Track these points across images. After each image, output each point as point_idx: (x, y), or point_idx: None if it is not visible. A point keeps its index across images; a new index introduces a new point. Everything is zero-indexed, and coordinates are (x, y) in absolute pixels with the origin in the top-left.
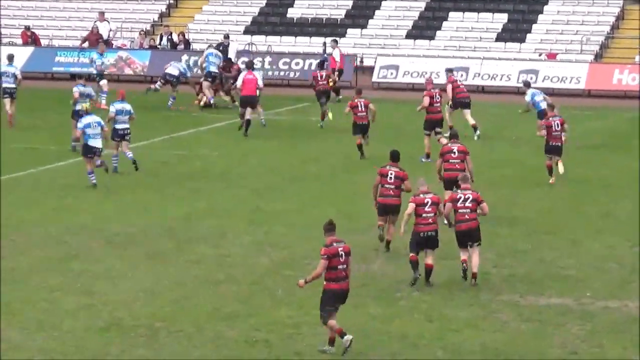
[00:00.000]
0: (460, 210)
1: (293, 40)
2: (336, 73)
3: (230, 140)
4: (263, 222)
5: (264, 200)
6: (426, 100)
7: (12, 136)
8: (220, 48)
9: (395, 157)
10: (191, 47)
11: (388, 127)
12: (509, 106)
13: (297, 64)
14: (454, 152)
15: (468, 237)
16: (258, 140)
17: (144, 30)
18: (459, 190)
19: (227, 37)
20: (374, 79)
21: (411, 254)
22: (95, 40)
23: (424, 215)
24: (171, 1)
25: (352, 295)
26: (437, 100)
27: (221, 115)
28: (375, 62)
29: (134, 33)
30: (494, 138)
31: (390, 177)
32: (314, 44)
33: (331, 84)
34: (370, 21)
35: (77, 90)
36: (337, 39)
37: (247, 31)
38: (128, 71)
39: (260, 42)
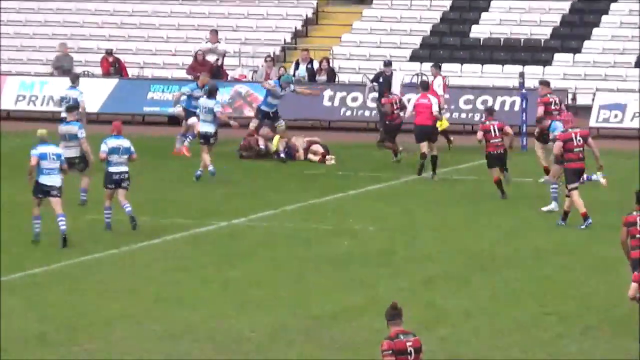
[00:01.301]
0: None
1: (479, 70)
2: (443, 110)
3: (392, 209)
4: (438, 322)
5: (439, 293)
6: None
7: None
8: (380, 80)
9: None
10: (337, 79)
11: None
12: None
13: (484, 102)
14: None
15: None
16: (430, 205)
17: (272, 55)
18: None
19: (388, 64)
20: (592, 122)
21: None
22: (208, 71)
23: None
24: (309, 15)
25: None
26: None
27: (379, 175)
28: (593, 99)
29: (258, 60)
30: None
31: None
32: (508, 74)
33: (441, 124)
34: (586, 43)
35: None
36: (441, 64)
37: (416, 57)
38: (249, 112)
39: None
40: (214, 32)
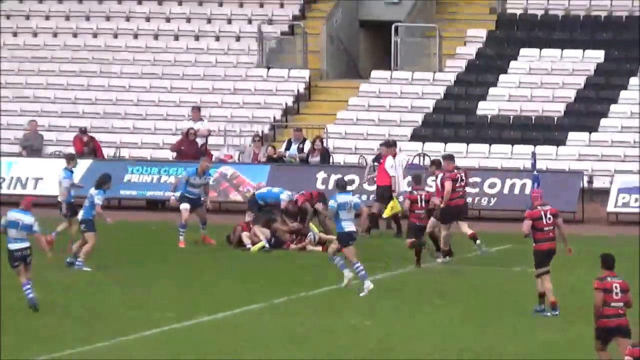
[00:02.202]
0: None
1: (486, 150)
2: (395, 193)
3: (390, 302)
4: None
5: None
6: None
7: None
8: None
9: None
10: (332, 160)
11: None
12: None
13: (492, 185)
14: None
15: None
16: (431, 298)
17: (260, 134)
18: None
19: (391, 144)
20: (610, 207)
21: None
22: (194, 152)
23: None
24: (301, 90)
25: None
26: None
27: (375, 264)
28: (611, 182)
29: (245, 138)
30: None
31: None
32: (519, 154)
33: (392, 207)
34: (603, 120)
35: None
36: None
37: (417, 136)
38: (235, 196)
39: (436, 151)
40: (196, 110)
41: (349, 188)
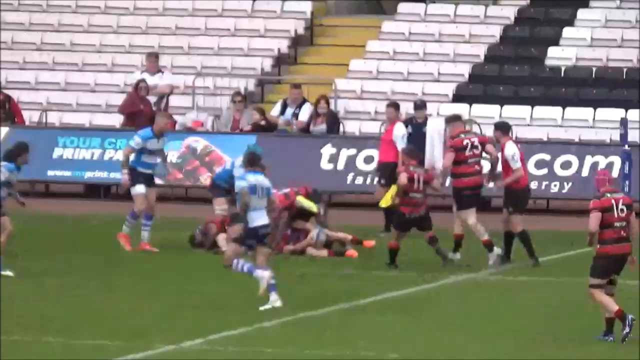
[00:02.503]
0: None
1: (558, 115)
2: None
3: (419, 326)
4: None
5: None
6: None
7: None
8: (408, 129)
9: None
10: (342, 129)
11: None
12: None
13: (566, 165)
14: None
15: None
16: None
17: (243, 92)
18: None
19: (421, 105)
20: None
21: None
22: (149, 114)
23: None
24: (300, 31)
25: None
26: None
27: (399, 274)
28: None
29: (222, 98)
30: None
31: None
32: (601, 123)
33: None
34: None
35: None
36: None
37: (462, 95)
38: (207, 179)
39: (488, 116)
40: (153, 57)
41: (366, 168)
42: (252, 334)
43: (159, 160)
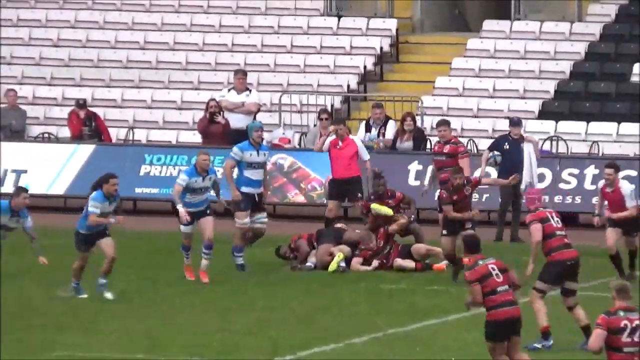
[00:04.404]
0: None
1: None
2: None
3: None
4: None
5: None
6: None
7: None
8: (506, 146)
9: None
10: (429, 145)
11: None
12: None
13: None
14: None
15: None
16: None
17: (329, 110)
18: None
19: (517, 122)
20: None
21: None
22: (218, 134)
23: None
24: (385, 48)
25: None
26: None
27: None
28: None
29: (309, 116)
30: None
31: None
32: None
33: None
34: None
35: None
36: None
37: (548, 113)
38: (296, 196)
39: (575, 132)
40: (241, 74)
41: None
42: (343, 350)
43: (204, 197)
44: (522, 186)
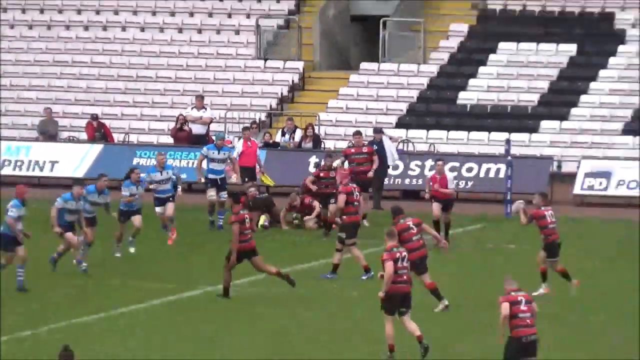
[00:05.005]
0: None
1: (465, 137)
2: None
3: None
4: None
5: None
6: None
7: None
8: (374, 146)
9: None
10: (323, 145)
11: (593, 255)
12: None
13: (469, 169)
14: None
15: None
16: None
17: (257, 121)
18: None
19: (379, 131)
20: (576, 190)
21: None
22: (185, 137)
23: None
24: (296, 81)
25: None
26: None
27: (366, 241)
28: (578, 167)
29: (242, 124)
30: None
31: None
32: (495, 141)
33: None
34: (574, 110)
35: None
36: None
37: (402, 124)
38: (234, 179)
39: (419, 138)
40: (200, 98)
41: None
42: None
43: (168, 187)
44: (390, 163)
